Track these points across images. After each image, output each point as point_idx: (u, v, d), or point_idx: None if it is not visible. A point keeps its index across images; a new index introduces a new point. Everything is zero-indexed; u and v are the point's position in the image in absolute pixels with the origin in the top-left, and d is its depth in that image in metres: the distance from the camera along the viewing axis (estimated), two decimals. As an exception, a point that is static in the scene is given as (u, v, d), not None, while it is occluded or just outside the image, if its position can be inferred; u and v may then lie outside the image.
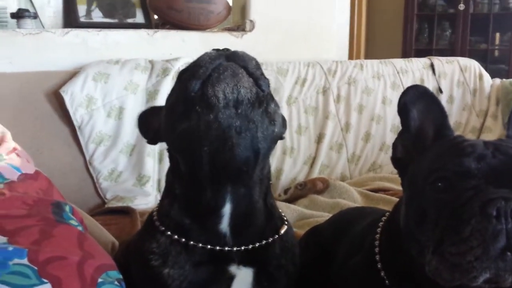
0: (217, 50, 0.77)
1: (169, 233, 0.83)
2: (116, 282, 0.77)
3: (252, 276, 0.85)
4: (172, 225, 0.84)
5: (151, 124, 0.91)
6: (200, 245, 0.82)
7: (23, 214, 0.77)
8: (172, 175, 0.86)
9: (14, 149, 0.92)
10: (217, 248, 0.82)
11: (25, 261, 0.69)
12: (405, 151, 0.76)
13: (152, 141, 0.94)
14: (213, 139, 0.73)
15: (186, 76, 0.76)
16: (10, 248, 0.70)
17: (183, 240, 0.82)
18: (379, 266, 0.75)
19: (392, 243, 0.74)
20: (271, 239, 0.87)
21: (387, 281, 0.73)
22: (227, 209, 0.81)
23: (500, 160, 0.63)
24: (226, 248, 0.82)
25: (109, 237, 1.09)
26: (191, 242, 0.82)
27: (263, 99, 0.75)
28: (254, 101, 0.73)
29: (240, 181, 0.80)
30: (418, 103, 0.73)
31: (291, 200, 1.78)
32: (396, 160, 0.78)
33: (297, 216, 1.59)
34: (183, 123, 0.75)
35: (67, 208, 0.85)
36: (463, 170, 0.62)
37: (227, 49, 0.77)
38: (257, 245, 0.85)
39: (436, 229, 0.62)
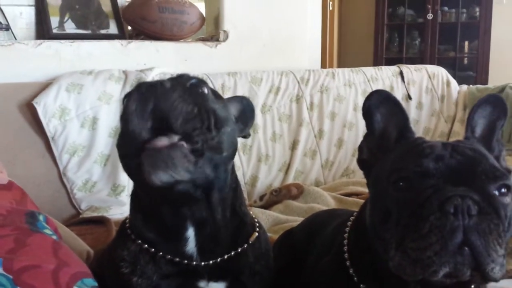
0: (141, 93, 0.72)
1: (139, 241, 0.83)
2: (91, 289, 0.78)
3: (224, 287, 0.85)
4: (141, 234, 0.84)
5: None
6: (168, 257, 0.82)
7: (-3, 224, 0.78)
8: (135, 193, 0.86)
9: (-13, 160, 0.92)
10: (185, 261, 0.82)
11: (0, 270, 0.69)
12: (370, 153, 0.79)
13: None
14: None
15: (124, 127, 0.73)
16: (-15, 258, 0.71)
17: (152, 250, 0.82)
18: (347, 264, 0.78)
19: (360, 241, 0.77)
20: (241, 249, 0.86)
21: (355, 278, 0.76)
22: (190, 232, 0.81)
23: (457, 160, 0.67)
24: (194, 263, 0.82)
25: (84, 246, 1.09)
26: (159, 253, 0.82)
27: (199, 149, 0.72)
28: (190, 167, 0.71)
29: (196, 208, 0.80)
30: (381, 107, 0.77)
31: (267, 206, 1.80)
32: (362, 162, 0.81)
33: (272, 222, 1.61)
34: (126, 159, 0.75)
35: (41, 218, 0.86)
36: (422, 170, 0.66)
37: (155, 85, 0.72)
38: (226, 257, 0.84)
39: (398, 226, 0.65)
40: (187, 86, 0.77)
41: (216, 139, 0.75)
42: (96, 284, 0.80)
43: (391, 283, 0.72)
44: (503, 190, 0.65)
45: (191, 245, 0.82)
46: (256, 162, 2.08)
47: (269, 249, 0.95)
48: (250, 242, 0.88)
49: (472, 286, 0.70)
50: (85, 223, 1.54)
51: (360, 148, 0.82)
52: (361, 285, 0.76)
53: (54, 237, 0.83)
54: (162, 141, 0.70)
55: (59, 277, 0.73)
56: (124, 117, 0.72)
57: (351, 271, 0.77)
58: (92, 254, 1.12)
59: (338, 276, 0.79)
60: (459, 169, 0.66)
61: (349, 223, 0.84)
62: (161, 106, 0.70)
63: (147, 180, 0.70)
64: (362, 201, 1.72)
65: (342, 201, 1.78)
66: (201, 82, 0.80)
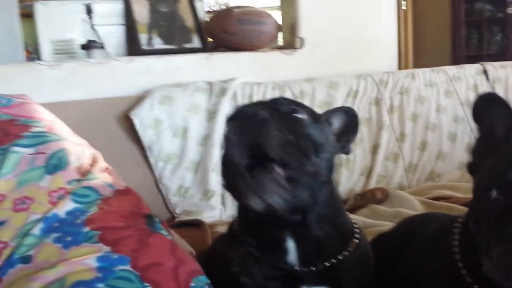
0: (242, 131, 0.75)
1: (245, 245, 0.88)
2: (206, 287, 0.84)
3: None
4: (246, 237, 0.89)
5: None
6: (272, 262, 0.86)
7: (121, 226, 0.86)
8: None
9: (106, 168, 1.02)
10: (288, 266, 0.85)
11: (128, 267, 0.77)
12: (481, 157, 0.79)
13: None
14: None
15: (225, 153, 0.77)
16: (115, 256, 0.79)
17: (257, 254, 0.87)
18: (460, 265, 0.78)
19: (469, 245, 0.77)
20: (342, 256, 0.88)
21: (468, 279, 0.76)
22: (290, 245, 0.85)
23: None
24: (296, 268, 0.85)
25: (188, 246, 1.17)
26: (264, 258, 0.86)
27: (295, 176, 0.75)
28: (285, 194, 0.75)
29: (294, 226, 0.83)
30: (490, 110, 0.77)
31: (351, 210, 1.80)
32: (472, 166, 0.81)
33: (360, 226, 1.62)
34: (232, 190, 0.80)
35: (156, 219, 0.94)
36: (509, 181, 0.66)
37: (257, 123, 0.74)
38: (328, 264, 0.87)
39: (486, 233, 0.67)
40: (283, 112, 0.80)
41: (312, 165, 0.78)
42: (208, 281, 0.87)
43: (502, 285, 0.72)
44: None
45: (292, 256, 0.85)
46: (337, 167, 2.08)
47: (370, 254, 0.97)
48: (351, 249, 0.90)
49: None
50: (181, 226, 1.64)
51: (473, 152, 0.81)
52: (475, 286, 0.76)
53: (170, 237, 0.91)
54: (258, 169, 0.74)
55: (178, 274, 0.80)
56: (225, 145, 0.77)
57: (463, 272, 0.77)
58: (194, 255, 1.19)
59: (450, 276, 0.79)
60: None
61: (456, 224, 0.84)
62: (258, 138, 0.73)
63: (244, 203, 0.77)
64: (452, 205, 1.69)
65: (430, 205, 1.74)
66: (297, 107, 0.83)
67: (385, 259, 1.09)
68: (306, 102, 2.11)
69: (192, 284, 0.81)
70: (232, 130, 0.75)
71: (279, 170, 0.74)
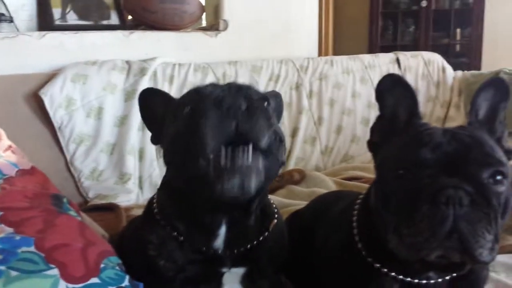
0: (221, 96, 0.76)
1: (167, 228, 0.86)
2: (117, 267, 0.82)
3: (243, 272, 0.90)
4: (171, 220, 0.87)
5: (153, 112, 0.90)
6: (196, 246, 0.85)
7: (26, 207, 0.81)
8: (171, 187, 0.87)
9: (10, 146, 0.96)
10: (211, 251, 0.85)
11: (32, 248, 0.74)
12: (381, 135, 0.83)
13: (155, 139, 0.92)
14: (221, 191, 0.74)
15: (194, 130, 0.74)
16: (18, 238, 0.75)
17: (180, 238, 0.85)
18: (356, 239, 0.83)
19: (367, 220, 0.82)
20: (262, 237, 0.90)
21: (363, 253, 0.81)
22: (222, 230, 0.85)
23: (454, 147, 0.71)
24: (220, 252, 0.86)
25: (100, 229, 1.13)
26: (187, 242, 0.85)
27: (272, 164, 0.78)
28: (262, 182, 0.76)
29: (236, 211, 0.84)
30: (393, 90, 0.81)
31: (270, 191, 1.84)
32: (372, 144, 0.85)
33: (277, 206, 1.66)
34: (191, 170, 0.75)
35: (64, 200, 0.90)
36: (420, 160, 0.70)
37: (231, 90, 0.77)
38: (249, 246, 0.88)
39: (395, 212, 0.71)
40: (257, 102, 0.79)
41: (283, 151, 0.81)
42: (120, 261, 0.85)
43: (395, 258, 0.77)
44: (497, 177, 0.69)
45: (219, 241, 0.86)
46: (257, 149, 2.11)
47: (285, 232, 0.99)
48: (270, 230, 0.92)
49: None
50: (95, 210, 1.58)
51: (372, 130, 0.85)
52: (368, 259, 0.81)
53: (79, 218, 0.87)
54: (243, 158, 0.72)
55: (87, 254, 0.78)
56: (200, 130, 0.72)
57: (359, 247, 0.82)
58: (107, 238, 1.16)
59: (348, 251, 0.84)
60: (455, 157, 0.70)
61: (358, 202, 0.88)
62: (243, 127, 0.72)
63: (212, 191, 0.73)
64: (362, 185, 1.78)
65: (342, 185, 1.83)
66: (267, 97, 0.84)
67: (299, 235, 1.13)
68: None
69: (102, 265, 0.79)
70: (213, 117, 0.73)
71: (261, 159, 0.75)
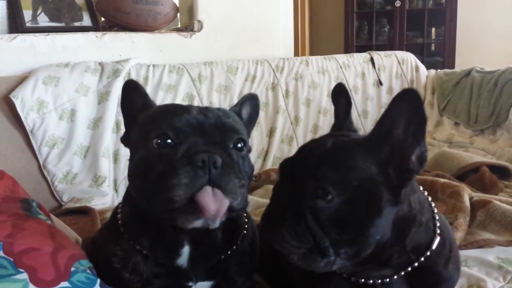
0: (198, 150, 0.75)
1: (131, 242, 0.85)
2: (88, 271, 0.81)
3: (211, 285, 0.89)
4: (134, 235, 0.85)
5: (132, 107, 0.90)
6: (160, 261, 0.84)
7: (-7, 211, 0.80)
8: (134, 204, 0.84)
9: (-24, 150, 0.93)
10: (176, 265, 0.84)
11: (0, 253, 0.72)
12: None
13: (125, 140, 0.91)
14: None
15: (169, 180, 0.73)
16: (-16, 243, 0.73)
17: (144, 252, 0.84)
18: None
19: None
20: (231, 251, 0.89)
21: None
22: (185, 250, 0.84)
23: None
24: (184, 267, 0.85)
25: (73, 233, 1.11)
26: (151, 256, 0.84)
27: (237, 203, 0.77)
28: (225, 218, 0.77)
29: (199, 233, 0.82)
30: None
31: (247, 192, 1.85)
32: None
33: (254, 206, 1.66)
34: (156, 203, 0.75)
35: (34, 204, 0.88)
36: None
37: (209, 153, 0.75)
38: (216, 260, 0.87)
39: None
40: (232, 155, 0.79)
41: (246, 187, 0.80)
42: (91, 265, 0.83)
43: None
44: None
45: (183, 259, 0.85)
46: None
47: (255, 240, 0.97)
48: (239, 242, 0.91)
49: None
50: (69, 213, 1.56)
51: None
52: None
53: (49, 222, 0.86)
54: (213, 203, 0.72)
55: (57, 258, 0.76)
56: (171, 184, 0.72)
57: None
58: (81, 242, 1.14)
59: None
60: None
61: None
62: (215, 182, 0.73)
63: (177, 222, 0.74)
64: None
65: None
66: (242, 134, 0.83)
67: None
68: (205, 86, 2.11)
69: (73, 269, 0.78)
70: (189, 176, 0.73)
71: (227, 201, 0.74)
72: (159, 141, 0.76)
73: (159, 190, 0.73)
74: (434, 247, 0.80)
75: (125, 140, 0.91)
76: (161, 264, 0.84)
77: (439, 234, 0.82)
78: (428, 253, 0.79)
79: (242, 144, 0.82)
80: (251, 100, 0.97)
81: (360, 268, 0.79)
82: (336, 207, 0.70)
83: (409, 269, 0.79)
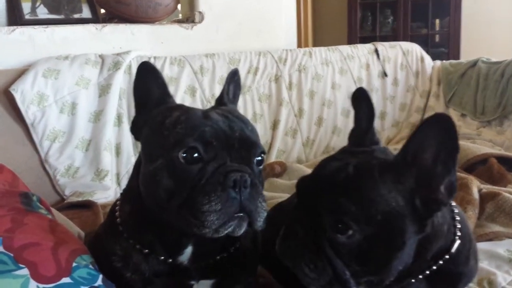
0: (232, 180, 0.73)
1: (131, 241, 0.82)
2: (90, 266, 0.78)
3: (213, 282, 0.87)
4: (135, 234, 0.83)
5: (148, 93, 0.87)
6: (161, 258, 0.82)
7: (-9, 206, 0.77)
8: (132, 200, 0.84)
9: (-26, 144, 0.91)
10: (177, 262, 0.82)
11: (0, 248, 0.70)
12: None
13: (136, 129, 0.87)
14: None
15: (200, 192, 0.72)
16: (-17, 238, 0.71)
17: (145, 251, 0.82)
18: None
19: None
20: (233, 249, 0.87)
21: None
22: (188, 249, 0.82)
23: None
24: (186, 264, 0.83)
25: (74, 228, 1.09)
26: (152, 254, 0.82)
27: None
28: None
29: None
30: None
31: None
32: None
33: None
34: (184, 211, 0.73)
35: (34, 198, 0.86)
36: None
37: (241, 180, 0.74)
38: (218, 258, 0.85)
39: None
40: (257, 174, 0.80)
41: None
42: (93, 260, 0.81)
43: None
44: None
45: (185, 257, 0.82)
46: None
47: (258, 236, 0.95)
48: (241, 240, 0.89)
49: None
50: (71, 207, 1.54)
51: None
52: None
53: (50, 216, 0.83)
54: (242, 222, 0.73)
55: (58, 253, 0.74)
56: (203, 211, 0.71)
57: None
58: (83, 236, 1.12)
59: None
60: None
61: None
62: (245, 208, 0.73)
63: (200, 231, 0.72)
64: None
65: (325, 176, 1.81)
66: (265, 152, 0.84)
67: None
68: (207, 78, 2.08)
69: (74, 264, 0.75)
70: (221, 202, 0.71)
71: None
72: (186, 155, 0.73)
73: (187, 209, 0.71)
74: (453, 250, 0.76)
75: (134, 128, 0.86)
76: (162, 263, 0.82)
77: (460, 237, 0.77)
78: (447, 256, 0.76)
79: (262, 157, 0.81)
80: (233, 77, 0.95)
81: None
82: (358, 242, 0.67)
83: (427, 272, 0.76)
